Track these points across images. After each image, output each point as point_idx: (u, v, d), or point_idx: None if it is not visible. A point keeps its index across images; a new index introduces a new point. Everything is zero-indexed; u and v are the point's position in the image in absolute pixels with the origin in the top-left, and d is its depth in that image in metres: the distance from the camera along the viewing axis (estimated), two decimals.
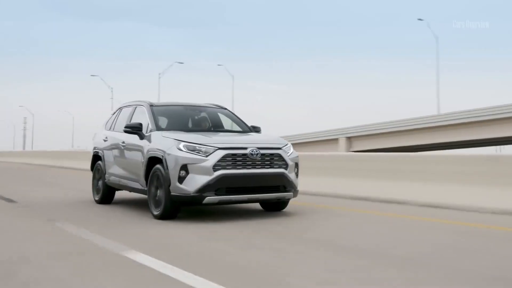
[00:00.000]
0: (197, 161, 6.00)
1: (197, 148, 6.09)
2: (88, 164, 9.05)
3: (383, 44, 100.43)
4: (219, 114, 7.89)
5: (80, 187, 11.22)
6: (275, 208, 7.07)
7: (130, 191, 7.58)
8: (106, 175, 7.97)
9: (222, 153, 6.05)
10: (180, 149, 6.12)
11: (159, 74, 53.47)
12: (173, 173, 6.05)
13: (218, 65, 54.96)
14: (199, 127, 7.41)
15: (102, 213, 7.03)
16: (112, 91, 55.53)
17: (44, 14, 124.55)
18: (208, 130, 7.32)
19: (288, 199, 6.79)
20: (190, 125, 7.44)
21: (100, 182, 8.24)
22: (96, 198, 8.28)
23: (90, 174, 8.71)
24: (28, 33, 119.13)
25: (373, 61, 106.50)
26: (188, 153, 6.06)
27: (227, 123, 7.79)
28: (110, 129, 8.33)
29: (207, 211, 7.05)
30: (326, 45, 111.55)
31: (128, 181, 7.28)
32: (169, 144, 6.27)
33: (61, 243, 4.76)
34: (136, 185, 7.01)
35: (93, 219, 6.44)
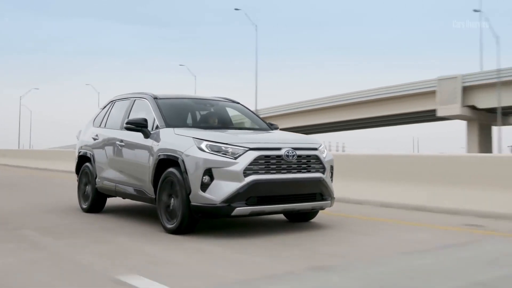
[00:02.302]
0: (224, 164, 4.95)
1: (223, 148, 5.04)
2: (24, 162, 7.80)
3: None
4: (232, 109, 6.84)
5: None
6: (301, 218, 6.10)
7: (124, 198, 6.47)
8: (98, 180, 6.77)
9: (254, 154, 5.02)
10: (202, 150, 5.05)
11: (20, 97, 59.83)
12: (194, 179, 4.98)
13: (180, 65, 55.48)
14: (212, 123, 6.33)
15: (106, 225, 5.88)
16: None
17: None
18: (224, 127, 6.23)
19: (322, 209, 5.81)
20: (202, 121, 6.38)
21: (88, 187, 7.04)
22: (84, 206, 7.06)
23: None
24: None
25: None
26: (213, 155, 5.00)
27: (241, 119, 6.77)
28: (100, 125, 7.14)
29: (223, 221, 6.01)
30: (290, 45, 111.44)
31: (128, 186, 6.14)
32: (187, 143, 5.18)
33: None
34: (139, 192, 5.90)
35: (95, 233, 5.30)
